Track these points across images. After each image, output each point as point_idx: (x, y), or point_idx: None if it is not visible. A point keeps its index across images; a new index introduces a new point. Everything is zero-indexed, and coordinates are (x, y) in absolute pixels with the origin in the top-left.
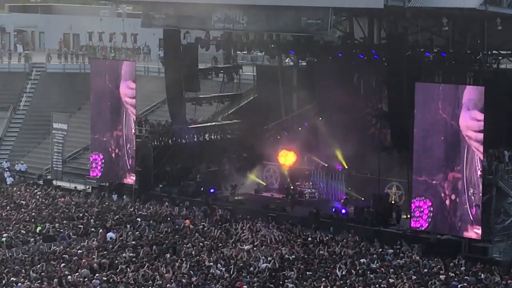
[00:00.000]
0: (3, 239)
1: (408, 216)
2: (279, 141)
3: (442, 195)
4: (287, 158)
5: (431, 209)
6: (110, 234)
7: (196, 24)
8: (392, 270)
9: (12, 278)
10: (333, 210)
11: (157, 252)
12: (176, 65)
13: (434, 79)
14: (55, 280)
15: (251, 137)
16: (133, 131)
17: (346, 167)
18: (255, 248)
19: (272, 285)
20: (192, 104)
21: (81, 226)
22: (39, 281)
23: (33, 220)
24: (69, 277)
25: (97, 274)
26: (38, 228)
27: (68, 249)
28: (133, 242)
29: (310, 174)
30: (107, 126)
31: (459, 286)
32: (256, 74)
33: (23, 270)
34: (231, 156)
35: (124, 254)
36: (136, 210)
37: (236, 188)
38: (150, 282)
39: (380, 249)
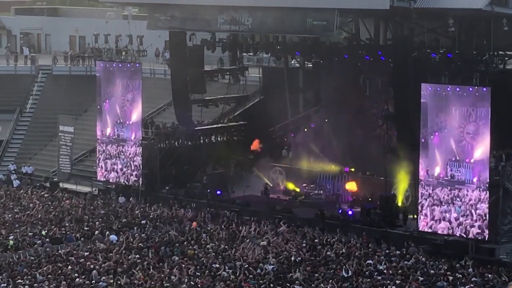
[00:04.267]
0: (10, 241)
1: (415, 216)
2: (285, 143)
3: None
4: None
5: None
6: (113, 237)
7: (202, 26)
8: (399, 271)
9: (19, 280)
10: (340, 211)
11: (164, 254)
12: (182, 67)
13: (441, 80)
14: (63, 282)
15: (257, 138)
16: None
17: (353, 168)
18: (270, 244)
19: (279, 287)
20: (198, 106)
21: (87, 229)
22: (46, 283)
23: (40, 222)
24: (77, 279)
25: (103, 277)
26: (43, 232)
27: (74, 251)
28: (140, 244)
29: (316, 176)
30: (113, 127)
31: (466, 287)
32: (262, 75)
33: (30, 273)
34: (237, 158)
35: (130, 256)
36: (142, 212)
37: (268, 189)
38: (157, 284)
39: (387, 250)
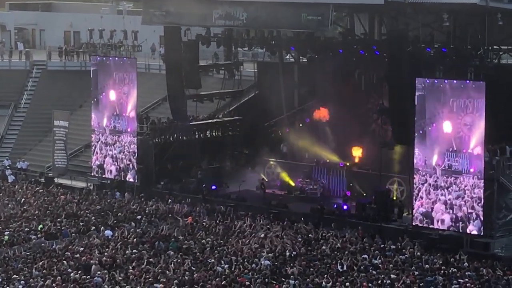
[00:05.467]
0: (5, 237)
1: (409, 213)
2: (280, 138)
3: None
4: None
5: None
6: (108, 232)
7: (197, 21)
8: (392, 265)
9: (14, 276)
10: (335, 206)
11: (159, 249)
12: (177, 62)
13: (435, 75)
14: (58, 278)
15: (252, 133)
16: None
17: (348, 163)
18: (267, 236)
19: (274, 282)
20: (193, 101)
21: (83, 224)
22: (42, 279)
23: (35, 217)
24: (72, 274)
25: (98, 272)
26: (40, 226)
27: (70, 246)
28: (135, 240)
29: (311, 170)
30: (109, 119)
31: (461, 281)
32: (257, 70)
33: (25, 268)
34: (233, 153)
35: (126, 252)
36: (138, 207)
37: (264, 184)
38: (152, 279)
39: (382, 245)
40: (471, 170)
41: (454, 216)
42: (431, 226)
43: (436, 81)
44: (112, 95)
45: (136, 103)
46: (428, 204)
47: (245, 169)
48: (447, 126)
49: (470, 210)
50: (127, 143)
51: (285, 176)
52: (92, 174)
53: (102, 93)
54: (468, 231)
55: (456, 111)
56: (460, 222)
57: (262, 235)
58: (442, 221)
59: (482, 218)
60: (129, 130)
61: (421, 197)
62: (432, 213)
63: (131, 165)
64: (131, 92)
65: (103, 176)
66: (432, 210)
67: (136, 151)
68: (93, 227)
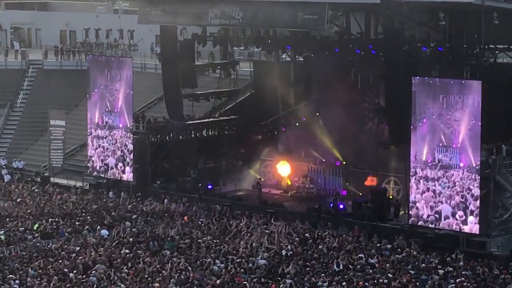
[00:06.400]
0: (1, 236)
1: (406, 212)
2: (276, 137)
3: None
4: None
5: None
6: (104, 232)
7: (193, 20)
8: (388, 265)
9: (10, 276)
10: (331, 205)
11: (155, 248)
12: (173, 61)
13: (431, 74)
14: (55, 277)
15: (248, 133)
16: (130, 127)
17: (344, 162)
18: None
19: (270, 281)
20: (189, 100)
21: (79, 223)
22: (37, 278)
23: (30, 217)
24: (71, 274)
25: (93, 271)
26: (36, 226)
27: (65, 246)
28: (131, 239)
29: (307, 170)
30: (101, 115)
31: (457, 280)
32: (253, 69)
33: (21, 268)
34: (229, 152)
35: (122, 251)
36: (134, 206)
37: (260, 184)
38: (149, 278)
39: (378, 244)
40: (461, 164)
41: (443, 203)
42: (421, 213)
43: (427, 77)
44: (104, 91)
45: (130, 99)
46: (418, 194)
47: (241, 168)
48: (436, 122)
49: (460, 199)
50: (119, 137)
51: (282, 171)
52: (87, 166)
53: (95, 90)
54: (457, 217)
55: (446, 107)
56: (450, 207)
57: (267, 231)
58: (431, 207)
59: (472, 208)
60: (120, 125)
61: (411, 187)
62: (421, 202)
63: (123, 158)
64: (123, 88)
65: (95, 166)
66: (421, 199)
67: (127, 145)
68: (87, 227)
